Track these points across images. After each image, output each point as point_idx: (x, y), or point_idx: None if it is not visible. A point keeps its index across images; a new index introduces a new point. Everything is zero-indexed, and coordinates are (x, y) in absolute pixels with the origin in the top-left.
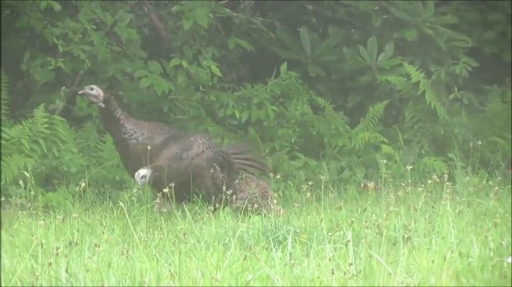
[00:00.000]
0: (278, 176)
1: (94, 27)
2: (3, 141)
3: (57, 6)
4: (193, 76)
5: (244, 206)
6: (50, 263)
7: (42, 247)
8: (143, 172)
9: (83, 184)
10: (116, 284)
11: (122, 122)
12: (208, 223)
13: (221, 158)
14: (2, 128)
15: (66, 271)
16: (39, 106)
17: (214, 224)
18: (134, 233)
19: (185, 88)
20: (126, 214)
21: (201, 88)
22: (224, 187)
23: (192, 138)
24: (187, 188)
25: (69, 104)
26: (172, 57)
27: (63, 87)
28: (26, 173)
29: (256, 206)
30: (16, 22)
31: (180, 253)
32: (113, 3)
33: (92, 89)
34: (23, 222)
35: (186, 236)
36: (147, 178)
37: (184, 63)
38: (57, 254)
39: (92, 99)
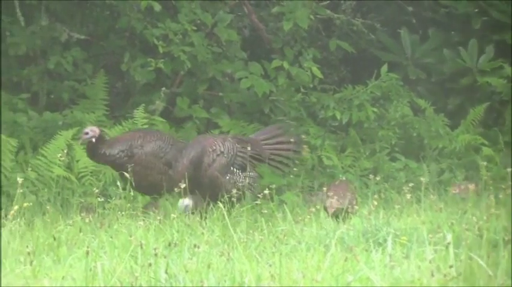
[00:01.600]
0: (378, 178)
1: (194, 28)
2: None
3: (157, 7)
4: (294, 77)
5: (344, 208)
6: (150, 264)
7: (141, 247)
8: (186, 201)
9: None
10: (215, 285)
11: (107, 154)
12: (309, 224)
13: (240, 159)
14: (103, 129)
15: (166, 271)
16: (139, 107)
17: (315, 225)
18: (234, 235)
19: (286, 89)
20: (226, 215)
21: (302, 89)
22: (252, 187)
23: (201, 148)
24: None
25: (169, 105)
26: (273, 59)
27: (163, 88)
28: (125, 173)
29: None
30: (116, 23)
31: (280, 254)
32: (213, 4)
33: (87, 133)
34: (123, 223)
35: (286, 237)
36: (190, 207)
37: (285, 65)
38: (156, 255)
39: (87, 138)
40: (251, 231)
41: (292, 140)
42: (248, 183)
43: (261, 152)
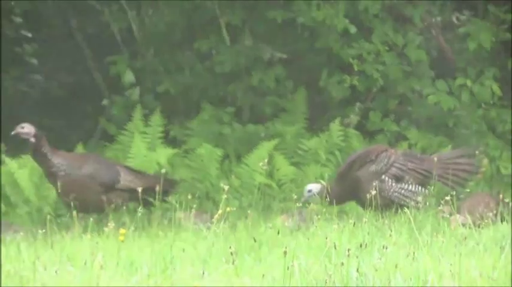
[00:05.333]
0: None
1: (386, 48)
2: (301, 152)
3: (353, 29)
4: (476, 94)
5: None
6: (342, 263)
7: (335, 248)
8: (311, 186)
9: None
10: (401, 284)
11: (49, 157)
12: (487, 227)
13: (395, 170)
14: (301, 139)
15: (357, 270)
16: (335, 120)
17: (492, 228)
18: (419, 237)
19: (469, 105)
20: (412, 219)
21: (483, 105)
22: (406, 198)
23: (358, 154)
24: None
25: (362, 119)
26: (457, 77)
27: (358, 103)
28: (322, 181)
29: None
30: (315, 43)
31: (460, 254)
32: (404, 26)
33: (23, 127)
34: (318, 226)
35: (466, 239)
36: (315, 192)
37: (468, 82)
38: (348, 255)
39: (24, 136)
40: (435, 233)
41: (470, 162)
42: (399, 194)
43: (430, 169)
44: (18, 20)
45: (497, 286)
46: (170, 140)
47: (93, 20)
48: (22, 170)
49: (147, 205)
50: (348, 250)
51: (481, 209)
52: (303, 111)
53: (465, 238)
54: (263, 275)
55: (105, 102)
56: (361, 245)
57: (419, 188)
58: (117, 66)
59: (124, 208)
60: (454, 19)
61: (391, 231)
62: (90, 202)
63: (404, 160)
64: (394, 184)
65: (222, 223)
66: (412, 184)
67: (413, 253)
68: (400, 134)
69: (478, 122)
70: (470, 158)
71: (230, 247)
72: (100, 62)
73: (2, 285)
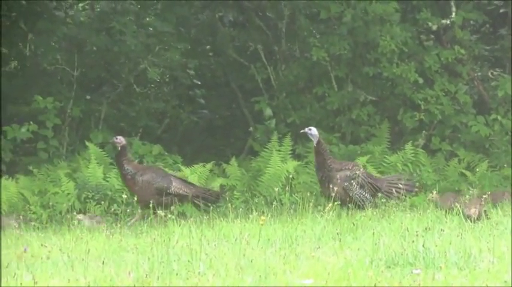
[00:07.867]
0: None
1: (443, 93)
2: (385, 164)
3: (421, 80)
4: (504, 125)
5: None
6: (413, 241)
7: (408, 231)
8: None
9: (434, 192)
10: (453, 255)
11: (123, 163)
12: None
13: (360, 179)
14: (385, 156)
15: (423, 246)
16: (408, 142)
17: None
18: (465, 223)
19: (499, 132)
20: (461, 211)
21: (508, 133)
22: (361, 200)
23: (342, 165)
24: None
25: (427, 142)
26: (491, 113)
27: (424, 131)
28: (399, 184)
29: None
30: (395, 89)
31: (494, 235)
32: (455, 79)
33: (117, 138)
34: (396, 215)
35: (497, 225)
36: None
37: (499, 117)
38: (417, 235)
39: (115, 145)
40: (477, 221)
41: (404, 183)
42: (359, 196)
43: (378, 184)
44: (192, 72)
45: None
46: (296, 155)
47: (243, 73)
48: (192, 175)
49: (196, 206)
50: (417, 231)
51: (478, 207)
52: (386, 136)
53: (497, 223)
54: (358, 249)
55: (251, 128)
56: (426, 228)
57: (370, 197)
58: (260, 104)
59: (263, 202)
60: (490, 74)
61: (446, 219)
62: (147, 200)
63: (366, 176)
64: (357, 188)
65: (331, 212)
66: (367, 192)
67: (461, 234)
68: (453, 152)
69: (505, 144)
70: (408, 181)
71: (336, 229)
72: (248, 101)
73: (178, 255)
